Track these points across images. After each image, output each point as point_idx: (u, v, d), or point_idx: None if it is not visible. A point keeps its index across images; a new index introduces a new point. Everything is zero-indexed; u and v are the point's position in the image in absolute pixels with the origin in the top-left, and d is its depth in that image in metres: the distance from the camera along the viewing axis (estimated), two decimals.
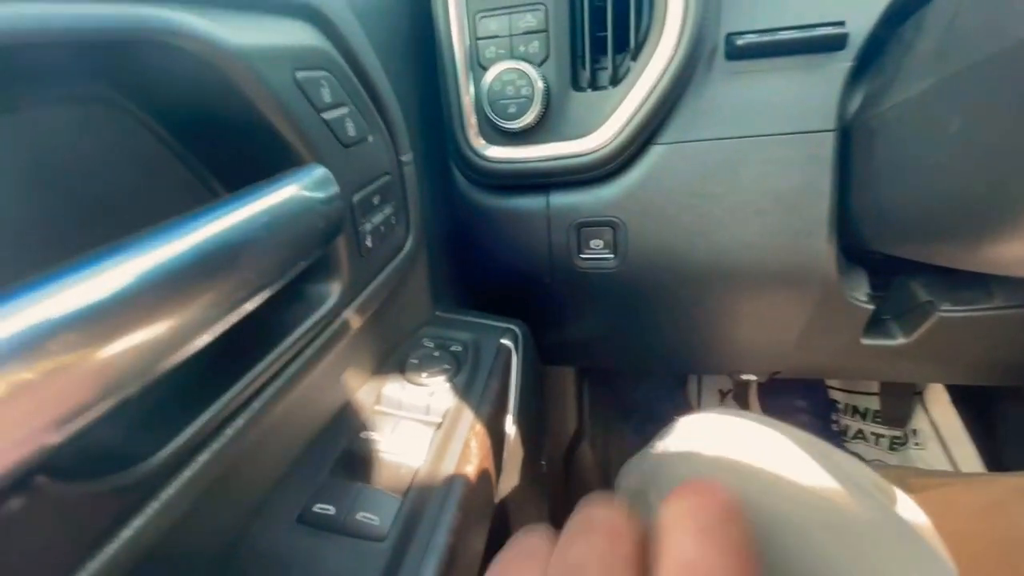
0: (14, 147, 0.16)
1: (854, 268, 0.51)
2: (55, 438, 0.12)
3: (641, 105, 0.41)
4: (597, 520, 0.17)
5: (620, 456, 0.99)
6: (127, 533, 0.16)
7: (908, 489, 0.61)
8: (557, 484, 0.85)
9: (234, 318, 0.17)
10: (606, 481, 0.93)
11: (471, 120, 0.44)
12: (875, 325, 0.51)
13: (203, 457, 0.19)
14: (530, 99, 0.41)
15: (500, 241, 0.50)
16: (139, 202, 0.20)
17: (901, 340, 0.51)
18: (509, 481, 0.48)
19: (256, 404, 0.22)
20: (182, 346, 0.15)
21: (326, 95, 0.24)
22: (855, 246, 0.47)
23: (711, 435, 0.34)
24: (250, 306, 0.18)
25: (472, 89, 0.43)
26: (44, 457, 0.12)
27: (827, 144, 0.41)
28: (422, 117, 0.45)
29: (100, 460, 0.15)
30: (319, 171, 0.22)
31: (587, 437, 0.88)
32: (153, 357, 0.14)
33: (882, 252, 0.44)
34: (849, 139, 0.41)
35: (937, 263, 0.40)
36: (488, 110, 0.42)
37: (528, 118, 0.41)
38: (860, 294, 0.49)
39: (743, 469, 0.30)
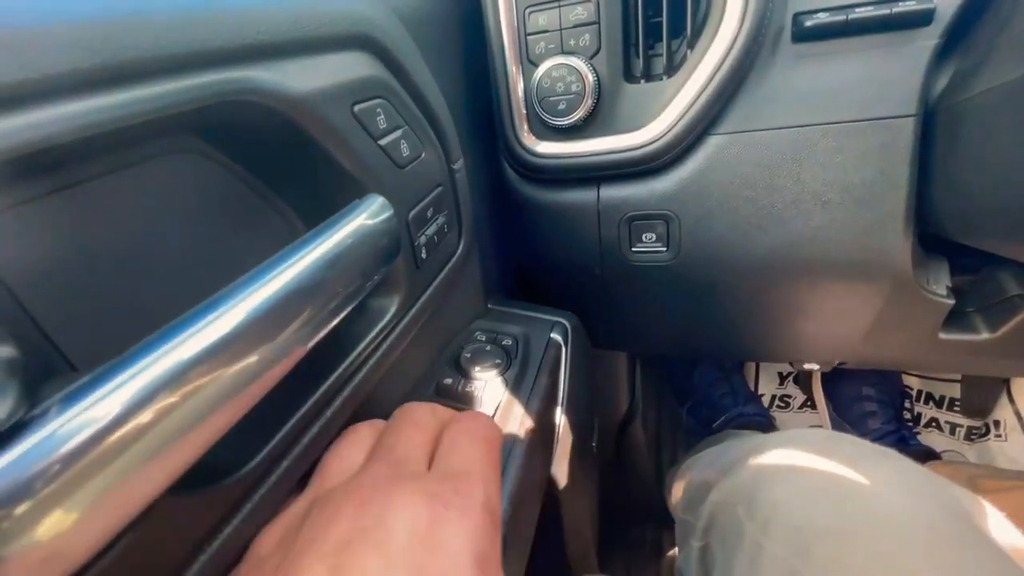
0: (125, 198, 0.19)
1: (933, 259, 0.47)
2: (200, 449, 0.15)
3: (698, 95, 0.39)
4: (413, 415, 0.27)
5: (672, 437, 0.99)
6: (228, 530, 0.19)
7: (979, 490, 0.58)
8: (607, 463, 0.86)
9: (319, 338, 0.20)
10: (657, 460, 0.94)
11: (521, 116, 0.44)
12: (956, 318, 0.48)
13: (286, 463, 0.22)
14: (581, 95, 0.40)
15: (550, 234, 0.51)
16: (227, 234, 0.23)
17: (985, 335, 0.47)
18: (560, 465, 0.50)
19: (328, 412, 0.24)
20: (284, 364, 0.18)
21: (381, 122, 0.25)
22: (934, 236, 0.43)
23: (810, 458, 0.34)
24: (331, 326, 0.20)
25: (522, 85, 0.43)
26: (190, 465, 0.15)
27: (906, 131, 0.37)
28: (472, 114, 0.45)
29: (201, 473, 0.18)
30: (377, 201, 0.23)
31: (638, 417, 0.89)
32: (266, 375, 0.17)
33: (967, 244, 0.41)
34: (932, 125, 0.38)
35: None
36: (538, 107, 0.42)
37: (578, 114, 0.41)
38: (939, 288, 0.45)
39: (840, 498, 0.30)
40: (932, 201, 0.40)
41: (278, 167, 0.23)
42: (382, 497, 0.20)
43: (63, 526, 0.11)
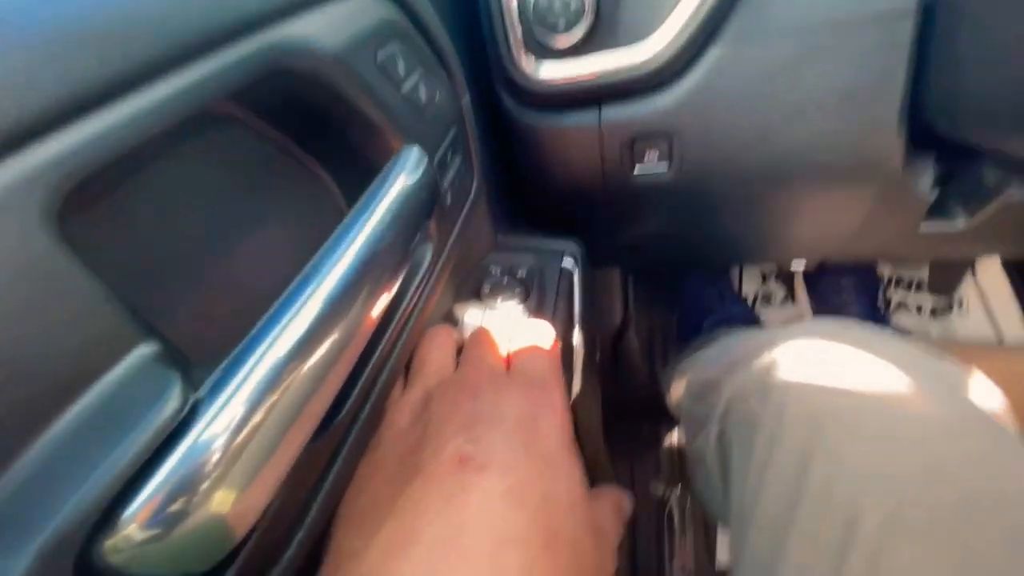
0: (176, 179, 0.19)
1: (920, 156, 0.49)
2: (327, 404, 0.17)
3: (701, 3, 0.38)
4: (488, 334, 0.33)
5: (664, 341, 1.05)
6: (337, 465, 0.22)
7: None
8: (606, 370, 0.93)
9: (391, 296, 0.21)
10: (651, 364, 1.01)
11: (518, 40, 0.42)
12: (936, 209, 0.51)
13: (368, 404, 0.24)
14: (580, 12, 0.38)
15: (551, 160, 0.50)
16: (266, 200, 0.23)
17: (962, 224, 0.51)
18: (574, 380, 0.54)
19: (391, 360, 0.26)
20: (371, 325, 0.19)
21: (401, 68, 0.25)
22: (924, 132, 0.45)
23: (818, 345, 0.37)
24: (399, 284, 0.21)
25: (515, 4, 0.41)
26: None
27: (906, 27, 0.37)
28: (466, 41, 0.43)
29: None
30: (414, 153, 0.23)
31: (632, 326, 0.94)
32: (362, 335, 0.19)
33: (956, 139, 0.42)
34: (932, 19, 0.38)
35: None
36: (536, 27, 0.40)
37: (579, 33, 0.39)
38: (925, 182, 0.48)
39: (847, 380, 0.33)
40: (926, 97, 0.41)
41: (308, 125, 0.23)
42: (490, 390, 0.26)
43: (254, 487, 0.13)
